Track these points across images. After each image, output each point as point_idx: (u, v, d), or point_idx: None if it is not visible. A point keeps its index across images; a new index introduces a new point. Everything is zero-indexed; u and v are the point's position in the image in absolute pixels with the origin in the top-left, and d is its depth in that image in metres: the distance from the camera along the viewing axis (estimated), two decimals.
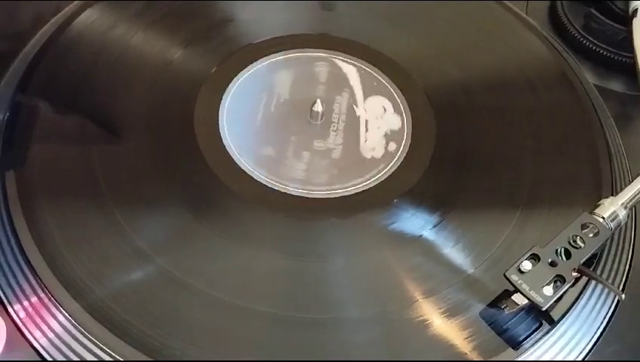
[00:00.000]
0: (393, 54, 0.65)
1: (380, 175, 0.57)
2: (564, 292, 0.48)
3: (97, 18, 0.63)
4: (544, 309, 0.47)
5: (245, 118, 0.59)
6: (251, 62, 0.62)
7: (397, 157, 0.58)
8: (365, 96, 0.62)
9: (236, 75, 0.62)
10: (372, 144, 0.59)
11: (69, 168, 0.54)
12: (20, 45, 0.62)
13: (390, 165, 0.58)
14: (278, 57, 0.64)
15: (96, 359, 0.46)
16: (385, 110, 0.61)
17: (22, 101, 0.57)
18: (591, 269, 0.50)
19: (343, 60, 0.64)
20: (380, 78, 0.64)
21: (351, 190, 0.56)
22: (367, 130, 0.60)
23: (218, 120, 0.59)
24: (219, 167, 0.56)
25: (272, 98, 0.61)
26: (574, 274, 0.48)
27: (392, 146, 0.59)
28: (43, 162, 0.54)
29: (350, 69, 0.64)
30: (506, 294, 0.49)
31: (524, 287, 0.47)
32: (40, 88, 0.58)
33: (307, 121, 0.60)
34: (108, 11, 0.64)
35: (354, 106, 0.61)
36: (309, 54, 0.65)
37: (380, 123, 0.60)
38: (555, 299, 0.47)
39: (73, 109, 0.58)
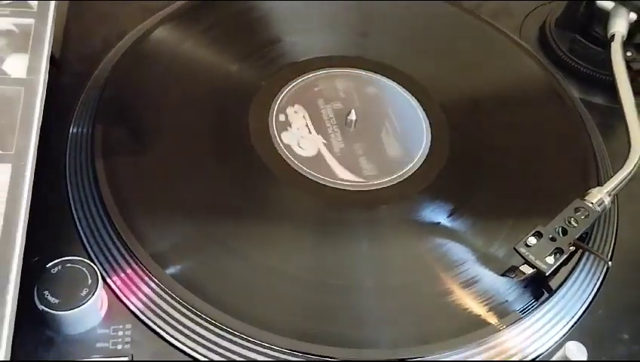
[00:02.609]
0: (415, 74, 0.72)
1: (404, 173, 0.63)
2: (563, 262, 0.55)
3: (165, 37, 0.69)
4: (547, 274, 0.54)
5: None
6: (295, 78, 0.69)
7: (418, 157, 0.65)
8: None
9: (282, 87, 0.68)
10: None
11: (148, 168, 0.60)
12: (92, 66, 0.67)
13: (413, 164, 0.64)
14: (318, 74, 0.70)
15: (180, 315, 0.52)
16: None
17: (101, 115, 0.61)
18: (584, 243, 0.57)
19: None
20: (402, 92, 0.70)
21: (382, 184, 0.62)
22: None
23: (268, 125, 0.65)
24: (272, 162, 0.62)
25: (315, 109, 0.67)
26: (571, 247, 0.55)
27: (419, 140, 0.66)
28: (126, 162, 0.59)
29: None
30: (513, 268, 0.56)
31: (531, 257, 0.54)
32: (115, 103, 0.63)
33: (344, 128, 0.66)
34: (172, 33, 0.70)
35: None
36: (346, 72, 0.71)
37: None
38: (555, 266, 0.54)
39: (147, 119, 0.64)
